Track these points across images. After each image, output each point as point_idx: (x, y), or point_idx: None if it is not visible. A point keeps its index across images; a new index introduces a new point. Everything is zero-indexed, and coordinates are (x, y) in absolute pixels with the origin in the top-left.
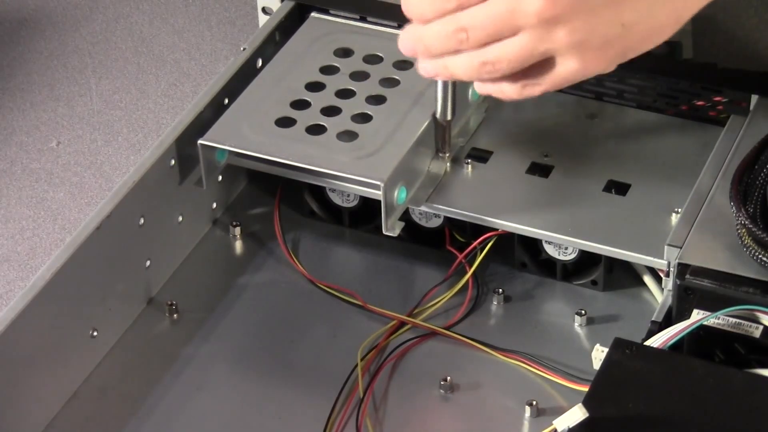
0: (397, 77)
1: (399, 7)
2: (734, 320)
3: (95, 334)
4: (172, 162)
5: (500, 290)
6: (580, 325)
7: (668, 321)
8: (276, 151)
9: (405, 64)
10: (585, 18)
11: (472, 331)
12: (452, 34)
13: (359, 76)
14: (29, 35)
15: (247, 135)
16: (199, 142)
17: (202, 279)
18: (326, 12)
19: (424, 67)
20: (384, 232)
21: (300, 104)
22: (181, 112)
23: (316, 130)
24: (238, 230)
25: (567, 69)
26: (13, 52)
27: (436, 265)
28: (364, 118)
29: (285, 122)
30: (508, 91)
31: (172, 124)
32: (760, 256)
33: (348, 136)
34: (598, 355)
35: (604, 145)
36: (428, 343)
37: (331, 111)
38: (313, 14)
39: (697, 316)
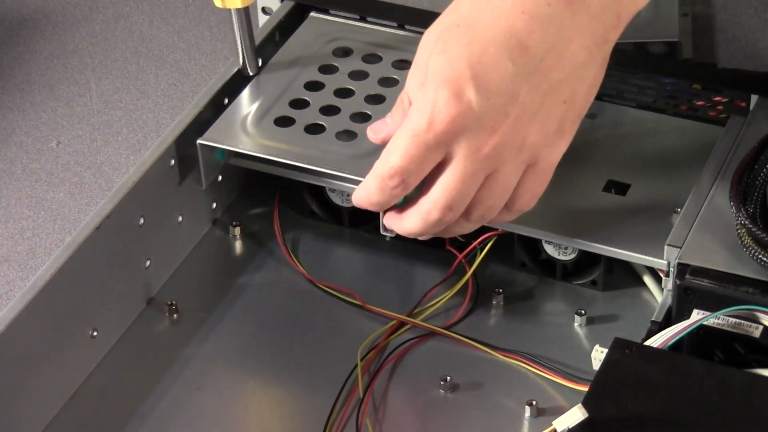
0: (396, 77)
1: (398, 7)
2: (734, 320)
3: (95, 334)
4: (172, 162)
5: (500, 290)
6: (580, 325)
7: (668, 321)
8: (275, 150)
9: (404, 64)
10: (523, 121)
11: (472, 331)
12: (390, 186)
13: (358, 75)
14: (29, 35)
15: (246, 134)
16: (198, 141)
17: (202, 279)
18: (326, 12)
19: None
20: (381, 233)
21: (299, 103)
22: (181, 112)
23: (315, 129)
24: (238, 230)
25: (548, 163)
26: (13, 52)
27: (436, 265)
28: (363, 117)
29: (284, 121)
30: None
31: (172, 124)
32: (759, 256)
33: (347, 135)
34: (598, 355)
35: (604, 145)
36: (428, 343)
37: (330, 110)
38: (313, 14)
39: (696, 316)
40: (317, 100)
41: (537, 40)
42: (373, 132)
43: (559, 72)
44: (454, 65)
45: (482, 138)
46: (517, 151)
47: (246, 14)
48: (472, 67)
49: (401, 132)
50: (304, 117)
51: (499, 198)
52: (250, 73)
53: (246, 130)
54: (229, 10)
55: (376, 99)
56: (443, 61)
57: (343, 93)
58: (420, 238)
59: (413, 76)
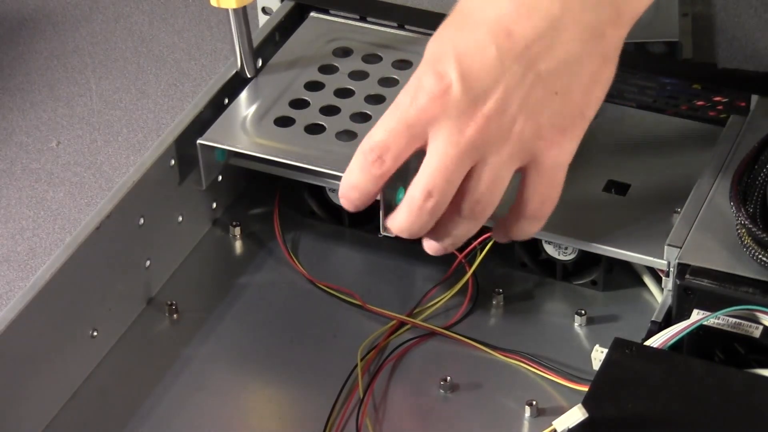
0: (396, 77)
1: (399, 7)
2: (734, 320)
3: (95, 334)
4: (172, 162)
5: (500, 290)
6: (580, 325)
7: (668, 321)
8: (275, 150)
9: (404, 64)
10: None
11: (472, 331)
12: (368, 161)
13: (358, 75)
14: (29, 35)
15: (246, 135)
16: (198, 141)
17: (202, 279)
18: (326, 12)
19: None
20: (381, 233)
21: (299, 104)
22: (181, 112)
23: (315, 129)
24: (238, 230)
25: (554, 163)
26: (13, 52)
27: (436, 265)
28: (363, 117)
29: (284, 122)
30: (527, 226)
31: (172, 124)
32: (759, 256)
33: (347, 135)
34: (598, 355)
35: (604, 145)
36: (428, 343)
37: (330, 110)
38: (313, 14)
39: (697, 316)
40: (317, 100)
41: (523, 26)
42: None
43: (549, 62)
44: (441, 47)
45: (463, 121)
46: (503, 140)
47: (244, 16)
48: (455, 49)
49: (388, 110)
50: (304, 117)
51: (488, 192)
52: (248, 76)
53: (246, 130)
54: (227, 11)
55: (376, 99)
56: (434, 44)
57: (343, 93)
58: (426, 246)
59: None
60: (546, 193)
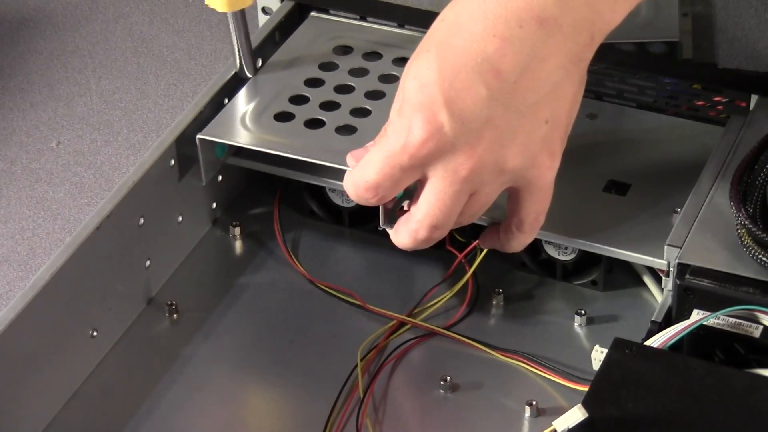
0: (396, 73)
1: (398, 7)
2: (734, 320)
3: (95, 334)
4: (172, 162)
5: (500, 290)
6: (580, 325)
7: (668, 321)
8: (274, 144)
9: (404, 62)
10: (510, 137)
11: (472, 331)
12: (365, 197)
13: (358, 72)
14: (29, 35)
15: (245, 129)
16: (198, 136)
17: (202, 279)
18: (326, 12)
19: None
20: (381, 226)
21: (299, 99)
22: (181, 112)
23: (314, 124)
24: (238, 230)
25: (543, 183)
26: (13, 52)
27: (436, 265)
28: (362, 112)
29: (284, 117)
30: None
31: (172, 124)
32: (759, 256)
33: (347, 130)
34: (597, 355)
35: (604, 145)
36: (428, 343)
37: (330, 106)
38: (313, 14)
39: (696, 316)
40: (317, 96)
41: (510, 62)
42: (354, 158)
43: (535, 93)
44: (427, 91)
45: (458, 161)
46: (498, 173)
47: (242, 18)
48: (444, 93)
49: (378, 149)
50: (303, 112)
51: (478, 211)
52: (247, 76)
53: (246, 125)
54: (227, 13)
55: (376, 95)
56: (416, 87)
57: (343, 89)
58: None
59: (394, 102)
60: (540, 209)
